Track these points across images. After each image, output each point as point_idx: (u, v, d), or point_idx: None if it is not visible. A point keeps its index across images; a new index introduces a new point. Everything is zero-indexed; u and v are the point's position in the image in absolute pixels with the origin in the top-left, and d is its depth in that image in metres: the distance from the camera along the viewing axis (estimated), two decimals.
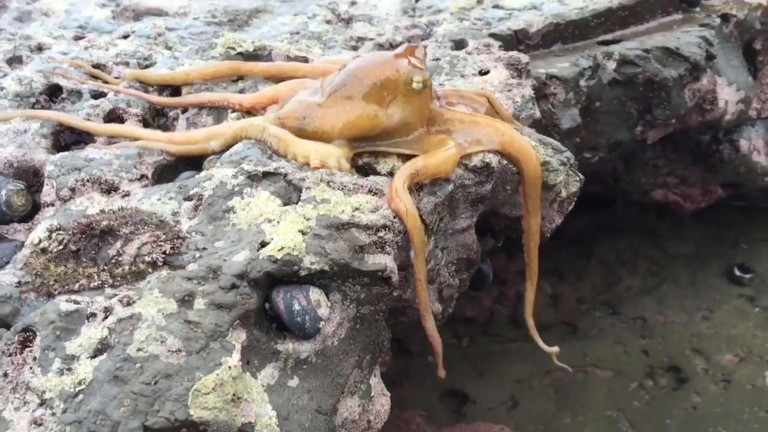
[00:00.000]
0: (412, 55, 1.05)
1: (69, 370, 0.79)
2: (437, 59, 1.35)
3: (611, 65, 1.48)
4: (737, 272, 1.97)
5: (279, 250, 0.89)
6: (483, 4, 1.62)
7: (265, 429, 0.82)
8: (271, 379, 0.86)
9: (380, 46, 1.46)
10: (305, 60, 1.39)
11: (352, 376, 0.97)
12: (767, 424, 1.59)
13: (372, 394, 1.02)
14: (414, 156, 1.04)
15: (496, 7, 1.62)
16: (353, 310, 0.94)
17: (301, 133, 1.02)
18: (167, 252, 0.89)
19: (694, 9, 1.66)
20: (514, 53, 1.36)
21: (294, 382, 0.89)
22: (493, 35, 1.46)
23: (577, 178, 1.19)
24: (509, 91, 1.30)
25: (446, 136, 1.06)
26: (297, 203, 0.97)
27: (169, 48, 1.41)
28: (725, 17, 1.63)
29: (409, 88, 1.03)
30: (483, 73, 1.34)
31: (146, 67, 1.35)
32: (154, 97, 1.24)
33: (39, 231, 0.96)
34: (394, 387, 1.79)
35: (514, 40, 1.51)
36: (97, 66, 1.33)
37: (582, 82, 1.44)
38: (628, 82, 1.49)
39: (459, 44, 1.44)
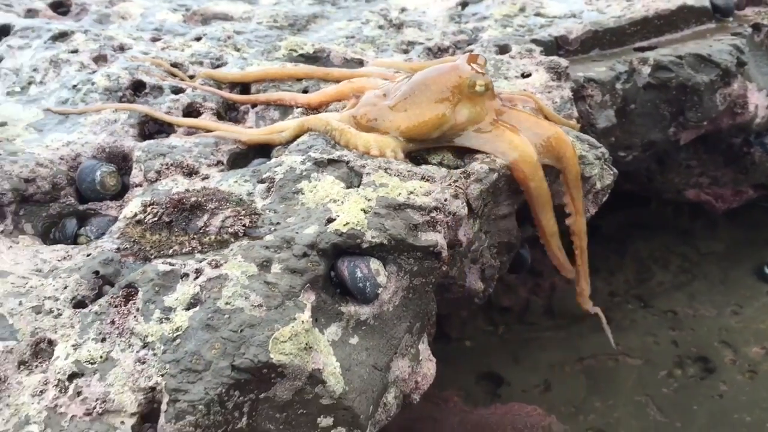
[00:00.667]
0: (474, 62, 1.18)
1: (167, 319, 0.93)
2: None
3: (646, 70, 1.58)
4: (767, 270, 2.04)
5: (344, 225, 1.02)
6: (525, 12, 1.74)
7: (330, 376, 0.95)
8: (335, 336, 0.99)
9: (429, 50, 1.58)
10: (361, 62, 1.53)
11: (404, 339, 1.09)
12: None
13: (420, 358, 1.14)
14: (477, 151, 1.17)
15: (537, 15, 1.73)
16: (407, 281, 1.07)
17: (373, 132, 1.16)
18: (247, 225, 1.03)
19: (727, 19, 1.76)
20: (555, 58, 1.47)
21: (354, 340, 1.02)
22: (534, 41, 1.58)
23: (611, 172, 1.30)
24: (549, 92, 1.42)
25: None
26: (358, 186, 1.10)
27: (238, 50, 1.55)
28: (757, 27, 1.72)
29: (472, 91, 1.15)
30: (525, 75, 1.46)
31: (218, 66, 1.49)
32: (227, 94, 1.39)
33: (133, 206, 1.10)
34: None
35: (555, 46, 1.62)
36: (174, 65, 1.48)
37: (618, 85, 1.55)
38: (662, 86, 1.59)
39: (503, 49, 1.56)
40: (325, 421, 0.96)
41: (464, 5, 1.80)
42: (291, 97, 1.33)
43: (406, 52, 1.60)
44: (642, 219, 2.28)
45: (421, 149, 1.19)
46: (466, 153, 1.20)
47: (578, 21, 1.66)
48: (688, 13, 1.70)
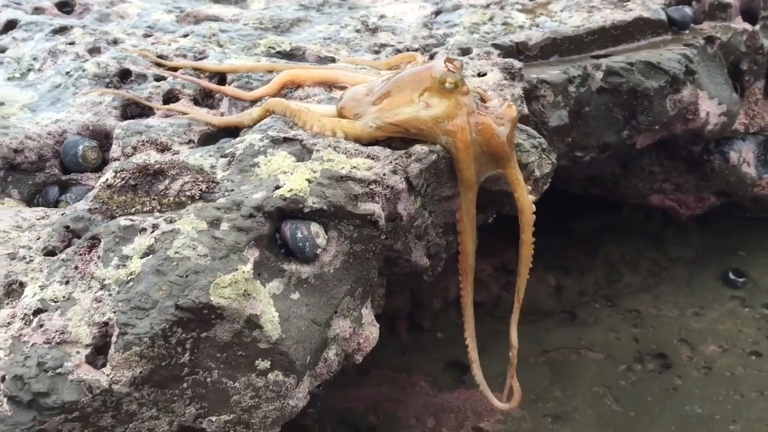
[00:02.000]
0: (450, 62, 1.28)
1: (124, 265, 1.05)
2: None
3: (599, 75, 1.69)
4: (732, 276, 2.12)
5: (289, 191, 1.14)
6: (493, 21, 1.86)
7: (268, 323, 1.06)
8: (276, 290, 1.11)
9: (398, 51, 1.71)
10: (333, 60, 1.66)
11: (345, 301, 1.21)
12: (739, 405, 1.75)
13: (363, 322, 1.25)
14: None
15: (504, 24, 1.86)
16: (347, 246, 1.18)
17: None
18: (203, 189, 1.15)
19: (684, 32, 1.87)
20: (509, 59, 1.59)
21: (295, 295, 1.13)
22: (495, 45, 1.70)
23: (550, 161, 1.41)
24: (501, 90, 1.53)
25: None
26: (308, 161, 1.22)
27: (221, 45, 1.69)
28: (710, 39, 1.83)
29: (442, 87, 1.25)
30: (481, 75, 1.57)
31: (200, 59, 1.63)
32: (205, 83, 1.52)
33: (107, 174, 1.23)
34: (404, 355, 2.03)
35: (515, 51, 1.74)
36: (160, 56, 1.62)
37: (571, 88, 1.67)
38: (614, 91, 1.70)
39: (465, 51, 1.68)
40: (263, 364, 1.08)
41: (437, 13, 1.93)
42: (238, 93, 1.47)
43: (377, 52, 1.73)
44: (614, 224, 2.37)
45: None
46: None
47: (539, 30, 1.78)
48: (644, 24, 1.82)
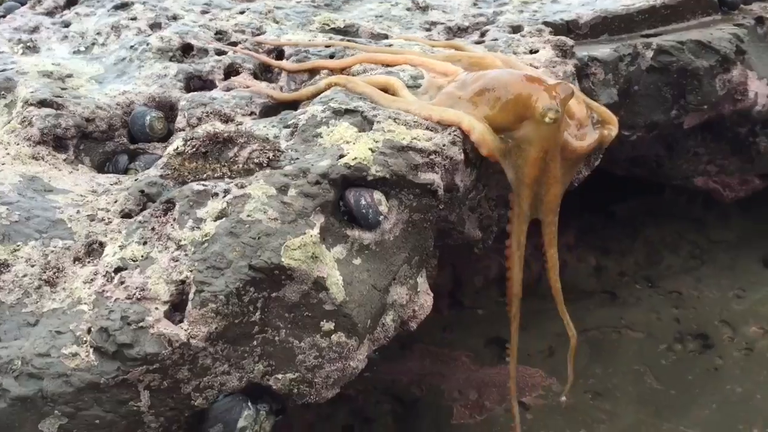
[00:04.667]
0: (556, 91, 1.24)
1: (198, 228, 1.10)
2: (495, 39, 1.63)
3: (649, 54, 1.71)
4: None
5: (353, 160, 1.18)
6: (543, 0, 1.89)
7: (333, 285, 1.11)
8: (340, 255, 1.16)
9: (449, 29, 1.74)
10: (386, 36, 1.69)
11: (403, 269, 1.25)
12: None
13: (418, 290, 1.30)
14: None
15: (554, 2, 1.88)
16: (406, 215, 1.23)
17: None
18: (270, 158, 1.20)
19: (733, 12, 1.88)
20: (561, 37, 1.62)
21: (357, 261, 1.18)
22: (546, 23, 1.73)
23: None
24: (554, 67, 1.56)
25: None
26: (369, 131, 1.26)
27: (277, 22, 1.73)
28: (760, 20, 1.84)
29: (540, 120, 1.22)
30: (533, 51, 1.60)
31: (258, 35, 1.68)
32: (265, 58, 1.57)
33: (176, 142, 1.28)
34: (446, 331, 2.07)
35: (565, 29, 1.76)
36: (219, 32, 1.67)
37: (621, 66, 1.69)
38: (664, 69, 1.72)
39: (516, 29, 1.71)
40: (327, 326, 1.12)
41: None
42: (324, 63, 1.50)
43: (428, 30, 1.76)
44: (656, 207, 2.38)
45: None
46: None
47: (590, 8, 1.80)
48: (695, 4, 1.83)
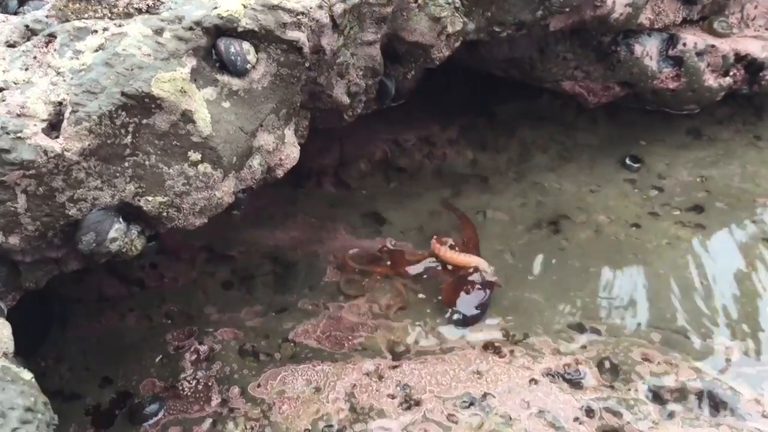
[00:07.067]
0: None
1: (77, 58, 1.22)
2: None
3: None
4: (628, 161, 2.37)
5: (225, 11, 1.31)
6: None
7: (201, 120, 1.26)
8: (210, 96, 1.30)
9: None
10: None
11: (270, 118, 1.40)
12: (613, 257, 2.01)
13: (285, 141, 1.45)
14: None
15: None
16: (274, 68, 1.37)
17: None
18: (149, 5, 1.32)
19: None
20: None
21: (226, 104, 1.32)
22: None
23: (462, 20, 1.59)
24: None
25: None
26: None
27: None
28: None
29: None
30: None
31: None
32: None
33: None
34: (331, 208, 2.24)
35: None
36: None
37: None
38: None
39: None
40: (194, 156, 1.27)
41: None
42: None
43: None
44: (533, 110, 2.59)
45: None
46: None
47: None
48: None
